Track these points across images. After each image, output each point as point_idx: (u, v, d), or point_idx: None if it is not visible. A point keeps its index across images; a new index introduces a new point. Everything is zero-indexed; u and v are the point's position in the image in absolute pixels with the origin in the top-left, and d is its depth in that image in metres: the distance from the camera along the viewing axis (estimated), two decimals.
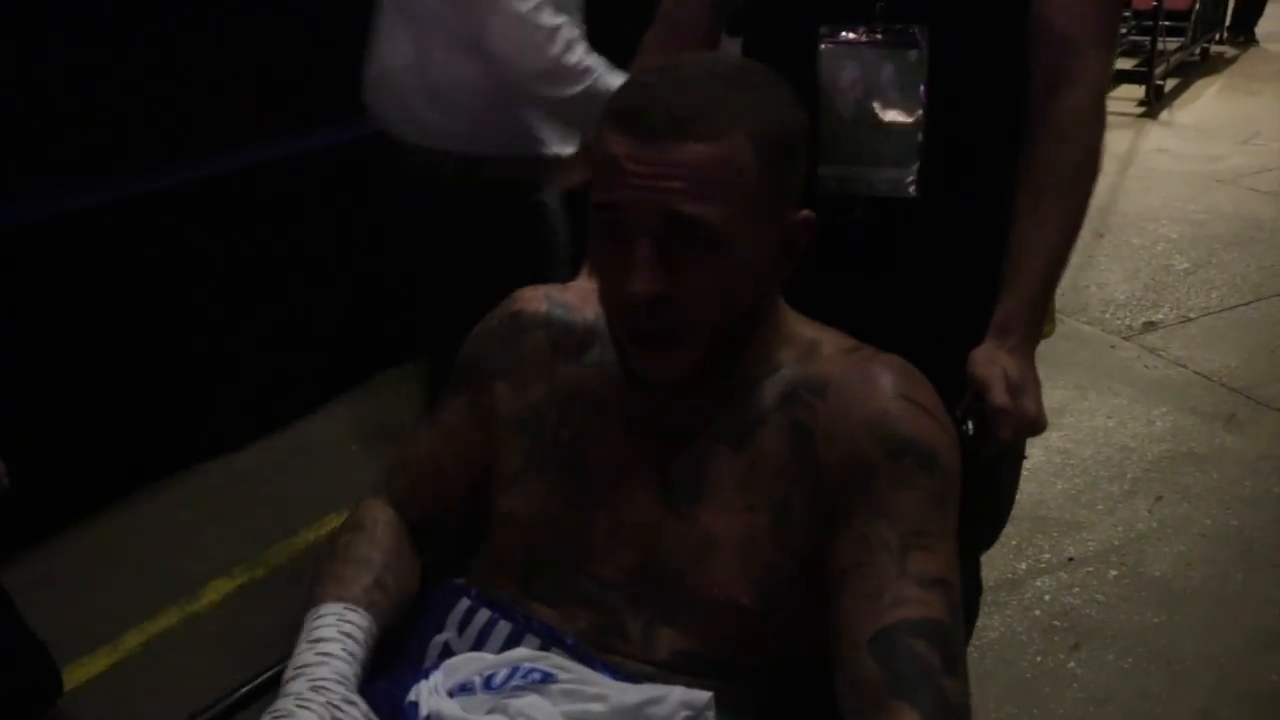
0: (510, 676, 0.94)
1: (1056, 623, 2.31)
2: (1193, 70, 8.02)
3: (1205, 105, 7.11)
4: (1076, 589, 2.41)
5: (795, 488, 0.98)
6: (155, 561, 2.61)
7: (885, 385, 0.99)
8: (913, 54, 1.21)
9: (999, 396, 1.08)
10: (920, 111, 1.23)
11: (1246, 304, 4.00)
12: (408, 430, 3.18)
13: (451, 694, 0.95)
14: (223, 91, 2.91)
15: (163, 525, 2.75)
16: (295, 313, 3.22)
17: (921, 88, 1.22)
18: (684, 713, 0.89)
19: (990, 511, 1.51)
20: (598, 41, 1.89)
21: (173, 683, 2.18)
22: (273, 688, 0.99)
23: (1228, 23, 8.75)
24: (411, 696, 0.95)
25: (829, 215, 1.10)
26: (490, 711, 0.92)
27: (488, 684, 0.94)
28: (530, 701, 0.91)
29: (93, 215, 2.70)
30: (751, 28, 1.40)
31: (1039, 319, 1.17)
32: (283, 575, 2.56)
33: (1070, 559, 2.52)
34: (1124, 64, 7.74)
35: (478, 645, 1.02)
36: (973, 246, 1.25)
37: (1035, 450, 2.97)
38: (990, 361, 1.11)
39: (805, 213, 1.01)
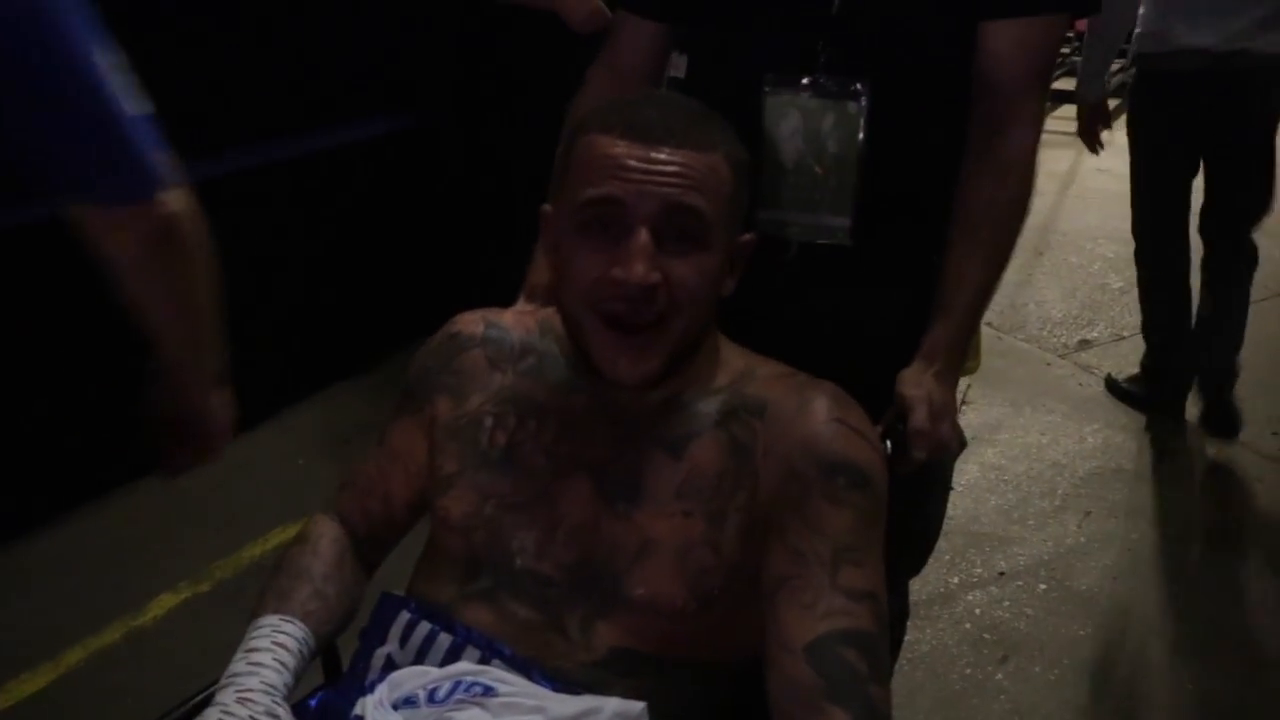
0: (453, 690, 0.98)
1: (986, 635, 2.38)
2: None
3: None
4: (1007, 602, 2.49)
5: (731, 499, 1.04)
6: (99, 576, 2.60)
7: (820, 409, 1.05)
8: (853, 105, 1.25)
9: (920, 419, 1.15)
10: (856, 162, 1.27)
11: None
12: (354, 444, 3.19)
13: (396, 707, 0.99)
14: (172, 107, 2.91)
15: (106, 540, 2.74)
16: (240, 325, 3.21)
17: (860, 138, 1.26)
18: None
19: (918, 538, 1.58)
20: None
21: (115, 699, 2.18)
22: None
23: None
24: (357, 710, 0.99)
25: (765, 256, 1.18)
26: None
27: (431, 698, 0.99)
28: (472, 715, 0.95)
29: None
30: (695, 68, 1.43)
31: (964, 347, 1.25)
32: (227, 591, 2.56)
33: (1001, 573, 2.59)
34: (1065, 84, 7.92)
35: (419, 658, 1.06)
36: (899, 287, 1.30)
37: (970, 466, 3.05)
38: (917, 384, 1.18)
39: (748, 236, 1.11)
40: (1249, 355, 3.84)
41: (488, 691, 0.98)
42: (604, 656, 1.04)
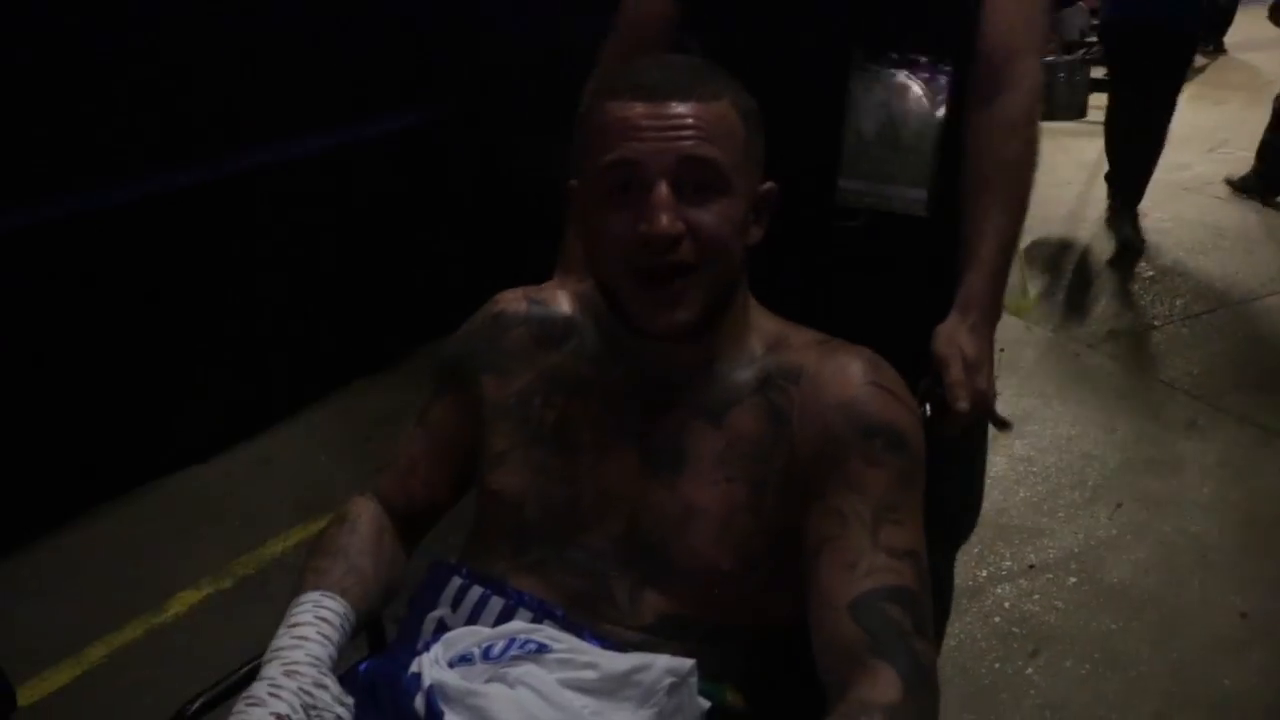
0: (508, 647, 1.00)
1: (1015, 629, 2.34)
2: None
3: (1175, 114, 7.18)
4: (1036, 596, 2.44)
5: (771, 464, 1.06)
6: (120, 573, 2.61)
7: (856, 373, 1.07)
8: (937, 84, 1.32)
9: (955, 372, 1.19)
10: (937, 138, 1.33)
11: (1210, 311, 4.05)
12: (374, 440, 3.19)
13: (451, 665, 1.01)
14: (172, 107, 2.91)
15: (128, 537, 2.75)
16: (263, 323, 3.22)
17: (940, 115, 1.32)
18: (669, 678, 0.96)
19: (961, 504, 1.63)
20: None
21: (137, 695, 2.18)
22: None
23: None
24: (414, 668, 1.01)
25: (835, 220, 1.30)
26: (489, 680, 0.98)
27: (486, 655, 1.01)
28: (527, 670, 0.98)
29: (50, 230, 2.70)
30: (760, 47, 1.38)
31: (998, 298, 1.28)
32: (249, 587, 2.56)
33: (1031, 566, 2.55)
34: (1096, 72, 7.82)
35: (471, 621, 1.08)
36: (953, 256, 1.33)
37: (999, 458, 3.00)
38: (950, 341, 1.23)
39: (769, 184, 1.12)
40: (1254, 351, 3.80)
41: (541, 649, 1.00)
42: (652, 622, 1.06)
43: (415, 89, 3.52)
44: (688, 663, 0.98)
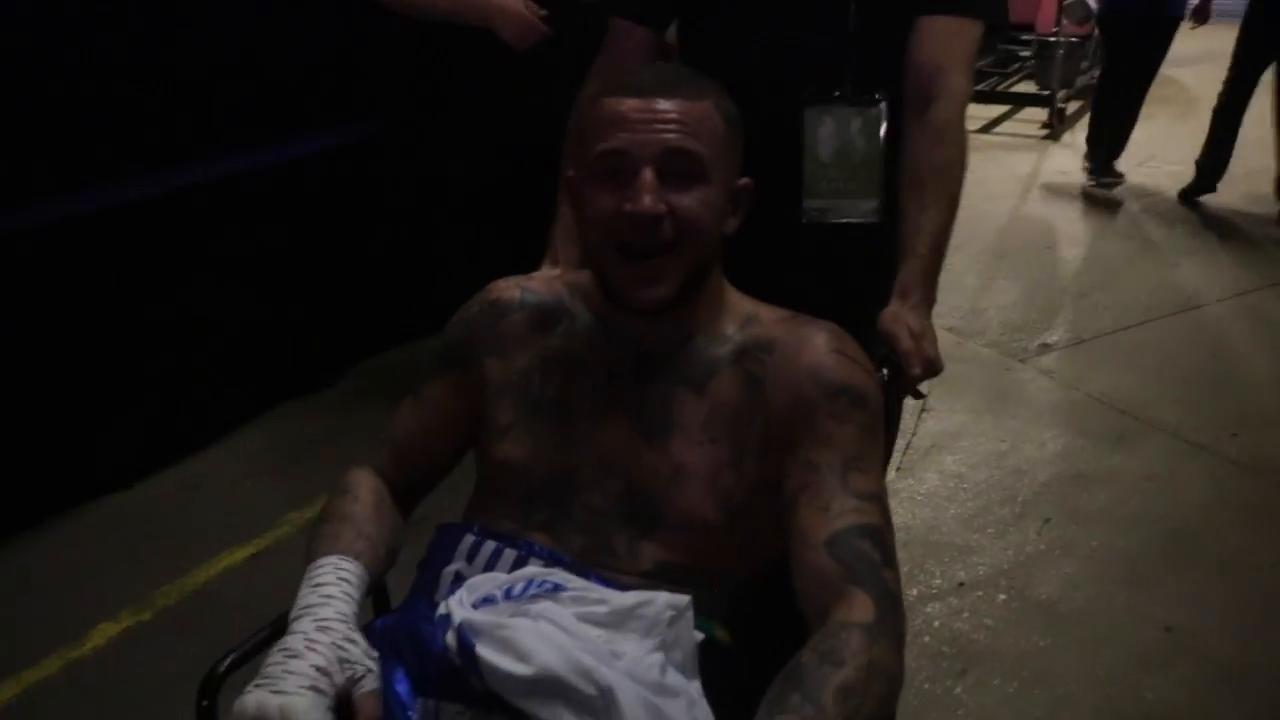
0: (527, 587, 1.12)
1: (945, 649, 2.34)
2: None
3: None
4: (966, 614, 2.46)
5: (750, 426, 1.20)
6: (37, 605, 2.53)
7: (821, 342, 1.22)
8: (874, 111, 1.53)
9: (905, 342, 1.35)
10: (881, 157, 1.54)
11: (1138, 324, 4.12)
12: (304, 462, 3.13)
13: (475, 606, 1.11)
14: (90, 128, 2.85)
15: (46, 567, 2.67)
16: (191, 343, 3.15)
17: (882, 136, 1.54)
18: (669, 612, 1.09)
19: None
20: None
21: None
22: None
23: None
24: (442, 610, 1.11)
25: (802, 233, 1.55)
26: (513, 616, 1.08)
27: (508, 595, 1.12)
28: (546, 606, 1.09)
29: None
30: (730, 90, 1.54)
31: (933, 285, 1.44)
32: (170, 618, 2.49)
33: (961, 584, 2.56)
34: (1026, 87, 7.95)
35: (487, 570, 1.19)
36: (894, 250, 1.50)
37: (930, 475, 3.03)
38: (895, 319, 1.38)
39: (745, 180, 1.27)
40: (1212, 354, 3.87)
41: (557, 588, 1.12)
42: (649, 569, 1.19)
43: (348, 107, 3.48)
44: (685, 598, 1.10)
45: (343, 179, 3.46)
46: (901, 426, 1.60)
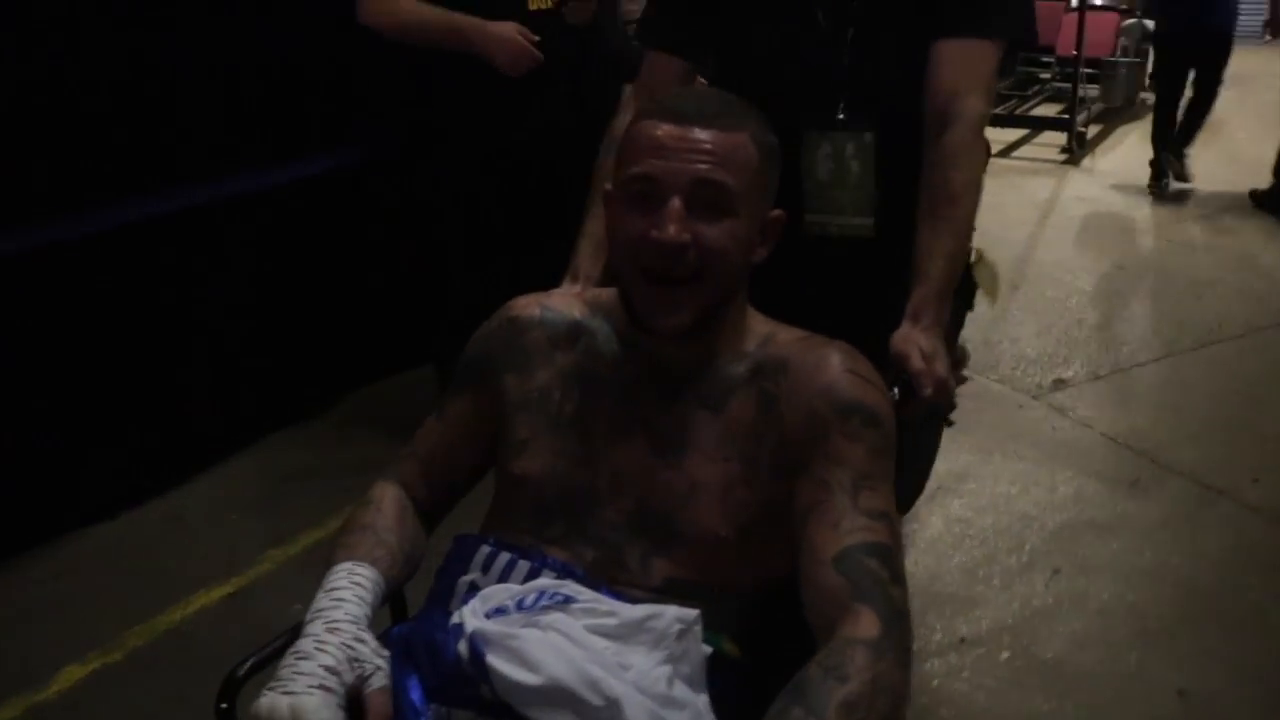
0: (538, 599, 1.15)
1: (943, 710, 2.23)
2: (1114, 117, 8.14)
3: (1126, 152, 7.20)
4: (966, 673, 2.34)
5: (763, 444, 1.21)
6: (3, 646, 2.45)
7: (834, 362, 1.24)
8: (867, 137, 1.62)
9: (916, 362, 1.36)
10: (873, 177, 1.63)
11: (1156, 360, 4.00)
12: (285, 496, 3.05)
13: (488, 616, 1.13)
14: (104, 148, 2.79)
15: (15, 604, 2.59)
16: (177, 373, 3.09)
17: (873, 160, 1.62)
18: (677, 625, 1.10)
19: (912, 473, 1.81)
20: None
21: None
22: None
23: (1150, 70, 8.90)
24: (455, 619, 1.12)
25: (808, 247, 1.60)
26: (524, 626, 1.09)
27: (519, 605, 1.14)
28: (557, 618, 1.11)
29: None
30: None
31: (945, 306, 1.46)
32: (139, 660, 2.41)
33: (962, 639, 2.45)
34: (1047, 110, 7.85)
35: (501, 581, 1.21)
36: (904, 268, 1.51)
37: (934, 520, 2.91)
38: (906, 339, 1.39)
39: (777, 212, 1.29)
40: (1234, 391, 3.73)
41: (568, 600, 1.14)
42: (660, 584, 1.21)
43: (337, 135, 3.41)
44: (693, 612, 1.11)
45: (330, 210, 3.40)
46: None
